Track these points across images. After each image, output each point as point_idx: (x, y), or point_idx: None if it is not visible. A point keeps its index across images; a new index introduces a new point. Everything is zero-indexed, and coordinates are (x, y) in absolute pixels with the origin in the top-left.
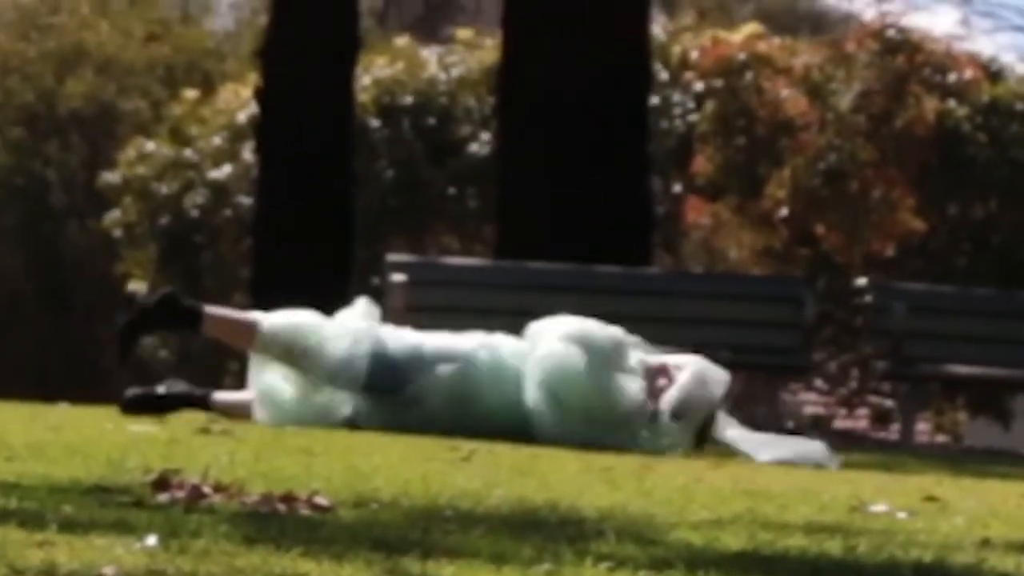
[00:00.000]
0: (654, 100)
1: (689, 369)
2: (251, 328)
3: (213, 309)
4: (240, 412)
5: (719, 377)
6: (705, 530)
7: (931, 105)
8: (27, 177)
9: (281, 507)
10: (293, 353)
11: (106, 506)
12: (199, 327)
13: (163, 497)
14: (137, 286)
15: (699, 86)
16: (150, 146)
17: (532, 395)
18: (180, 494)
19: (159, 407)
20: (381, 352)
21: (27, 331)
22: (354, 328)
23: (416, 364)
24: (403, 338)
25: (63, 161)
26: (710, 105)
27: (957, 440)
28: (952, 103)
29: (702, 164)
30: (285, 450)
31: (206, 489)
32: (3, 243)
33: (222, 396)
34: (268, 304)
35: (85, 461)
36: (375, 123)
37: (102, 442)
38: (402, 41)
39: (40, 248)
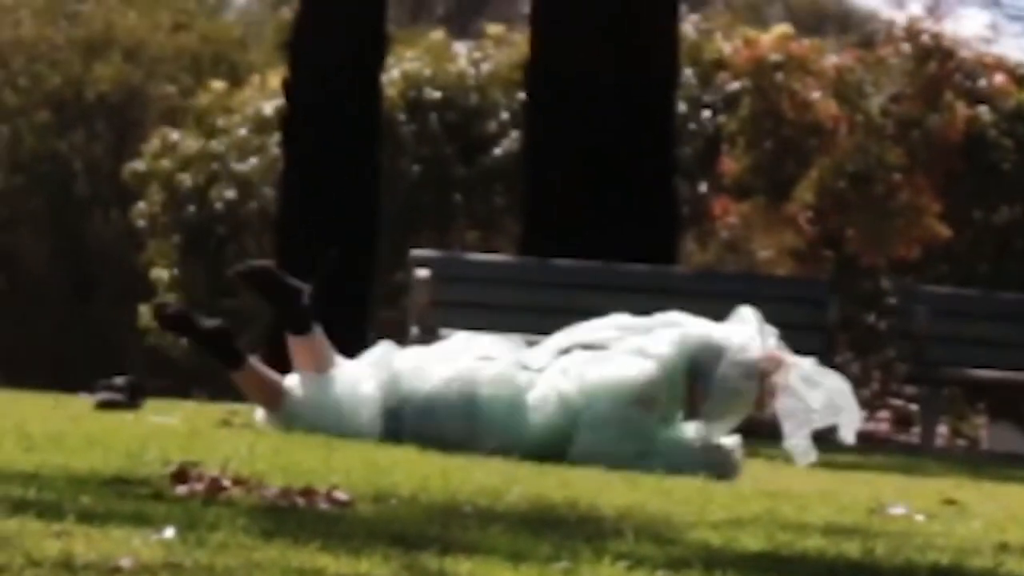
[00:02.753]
0: (682, 101)
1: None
2: (278, 395)
3: (255, 363)
4: (262, 392)
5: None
6: (724, 530)
7: (962, 111)
8: (52, 163)
9: (300, 501)
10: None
11: (124, 498)
12: (234, 371)
13: (182, 489)
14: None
15: (733, 86)
16: (175, 136)
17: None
18: (199, 487)
19: (192, 333)
20: (396, 409)
21: (49, 320)
22: (367, 397)
23: (428, 413)
24: (415, 382)
25: (89, 150)
26: (740, 106)
27: (975, 445)
28: (982, 109)
29: (730, 165)
30: (305, 444)
31: (225, 482)
32: (27, 230)
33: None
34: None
35: (104, 452)
36: (402, 118)
37: (121, 433)
38: (435, 35)
39: (64, 236)
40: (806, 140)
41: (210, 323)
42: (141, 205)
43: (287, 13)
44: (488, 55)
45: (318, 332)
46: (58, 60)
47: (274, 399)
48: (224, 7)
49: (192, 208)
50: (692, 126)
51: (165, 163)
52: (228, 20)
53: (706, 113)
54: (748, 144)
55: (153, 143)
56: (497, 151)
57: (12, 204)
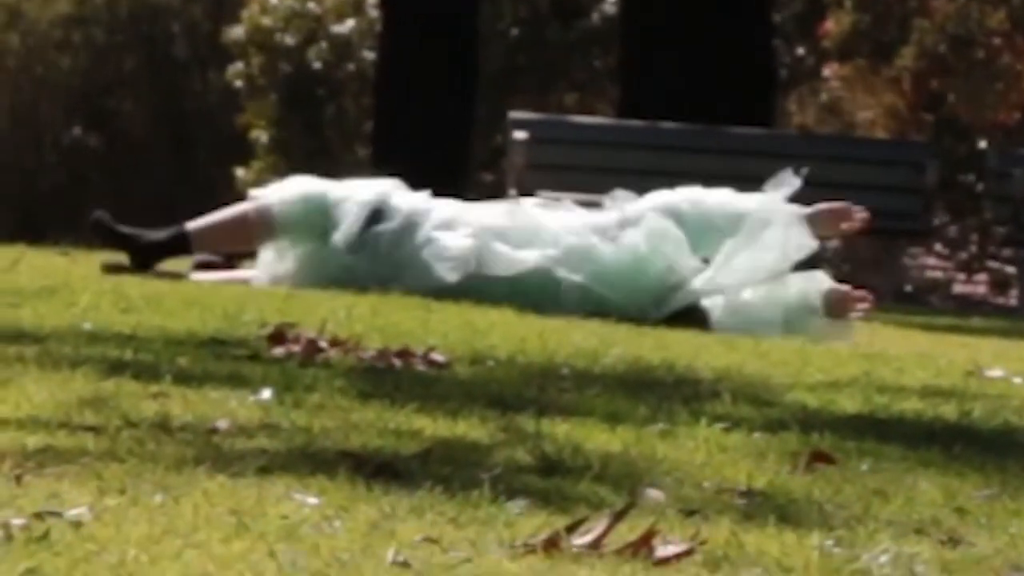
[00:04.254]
0: None
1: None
2: (253, 220)
3: (194, 224)
4: (235, 234)
5: None
6: (821, 392)
7: None
8: (150, 24)
9: (397, 363)
10: (313, 218)
11: (221, 359)
12: (192, 251)
13: (279, 351)
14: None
15: None
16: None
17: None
18: (296, 348)
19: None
20: (381, 210)
21: (151, 180)
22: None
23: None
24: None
25: (187, 10)
26: None
27: None
28: None
29: (831, 27)
30: (402, 305)
31: (322, 343)
32: (125, 91)
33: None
34: (389, 158)
35: (201, 313)
36: None
37: (219, 294)
38: None
39: (163, 97)
40: (908, 2)
41: (142, 238)
42: (239, 65)
43: None
44: None
45: (193, 225)
46: None
47: (250, 227)
48: None
49: (289, 68)
50: None
51: (265, 21)
52: None
53: None
54: (850, 6)
55: (252, 7)
56: (595, 13)
57: (111, 64)
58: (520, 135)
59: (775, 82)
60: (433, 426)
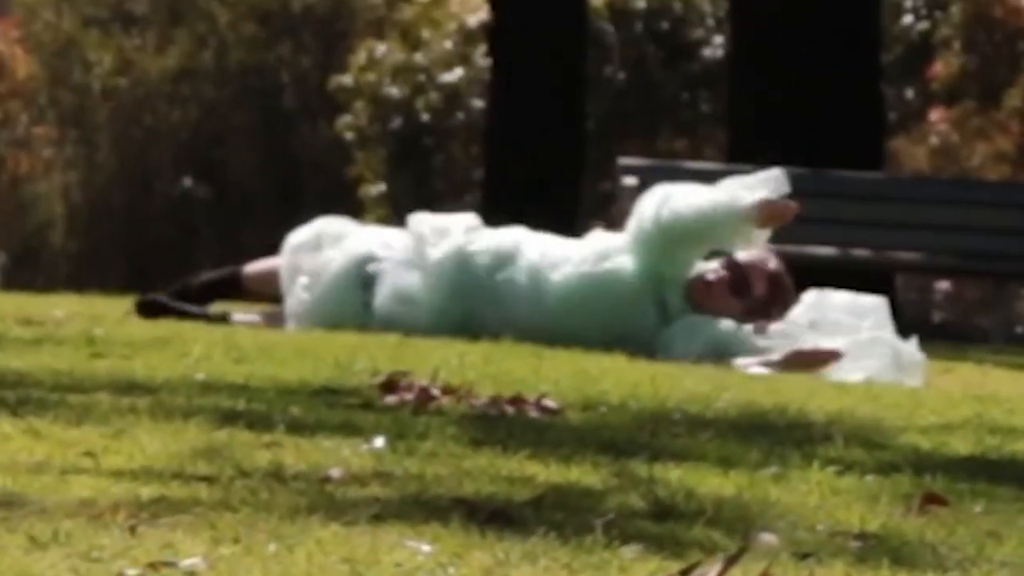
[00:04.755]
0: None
1: None
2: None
3: (247, 272)
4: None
5: None
6: (933, 434)
7: None
8: (261, 76)
9: (509, 409)
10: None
11: (334, 408)
12: (241, 295)
13: (391, 399)
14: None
15: None
16: (381, 49)
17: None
18: (408, 396)
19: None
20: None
21: (259, 231)
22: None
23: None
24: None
25: (296, 62)
26: (952, 10)
27: None
28: None
29: (940, 70)
30: (514, 353)
31: (434, 391)
32: (235, 142)
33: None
34: (498, 206)
35: (314, 362)
36: (608, 26)
37: (331, 343)
38: None
39: (272, 148)
40: (1017, 45)
41: (192, 284)
42: (347, 117)
43: None
44: None
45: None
46: None
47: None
48: None
49: (399, 120)
50: (897, 31)
51: (371, 76)
52: None
53: (911, 18)
54: (959, 49)
55: (359, 56)
56: (703, 57)
57: (220, 116)
58: (630, 181)
59: (884, 125)
60: (546, 472)
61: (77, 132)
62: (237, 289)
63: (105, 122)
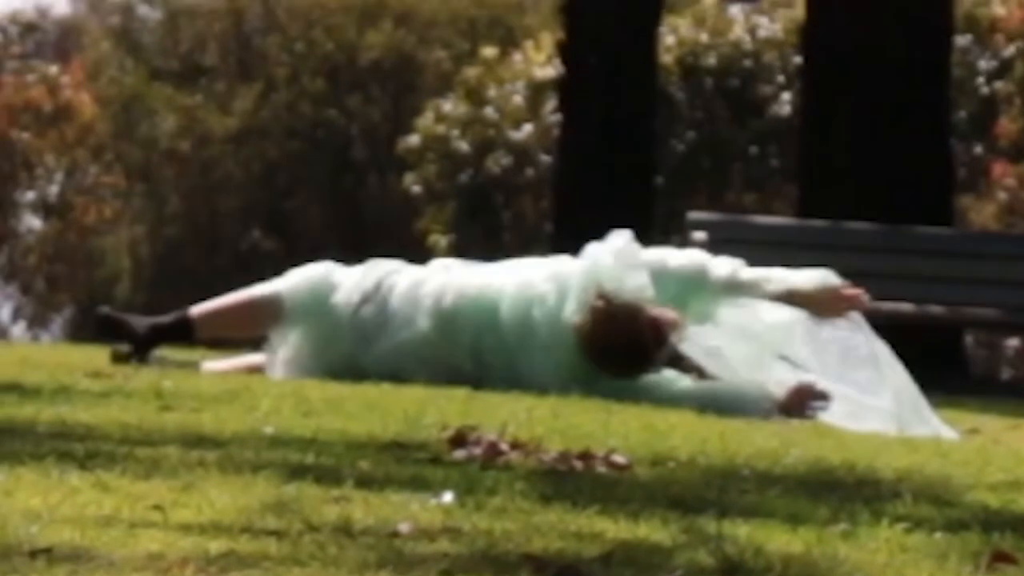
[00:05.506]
0: (956, 65)
1: None
2: (261, 305)
3: (197, 312)
4: (242, 320)
5: None
6: (1002, 492)
7: None
8: (329, 130)
9: (578, 465)
10: (319, 303)
11: (402, 462)
12: (195, 336)
13: (460, 453)
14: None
15: (1008, 49)
16: (448, 106)
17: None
18: (477, 451)
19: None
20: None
21: None
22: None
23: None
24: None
25: (365, 115)
26: (1017, 68)
27: None
28: None
29: (1006, 127)
30: (583, 407)
31: (503, 446)
32: (303, 196)
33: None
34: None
35: (382, 416)
36: (677, 82)
37: (400, 397)
38: (709, 1)
39: (341, 202)
40: None
41: (142, 324)
42: (415, 174)
43: None
44: (765, 20)
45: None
46: (332, 26)
47: (255, 317)
48: None
49: (467, 174)
50: (967, 89)
51: (440, 128)
52: None
53: (981, 77)
54: (1021, 106)
55: (426, 115)
56: (772, 114)
57: (288, 170)
58: (699, 235)
59: (953, 181)
60: (615, 528)
61: (144, 185)
62: (188, 334)
63: (172, 176)
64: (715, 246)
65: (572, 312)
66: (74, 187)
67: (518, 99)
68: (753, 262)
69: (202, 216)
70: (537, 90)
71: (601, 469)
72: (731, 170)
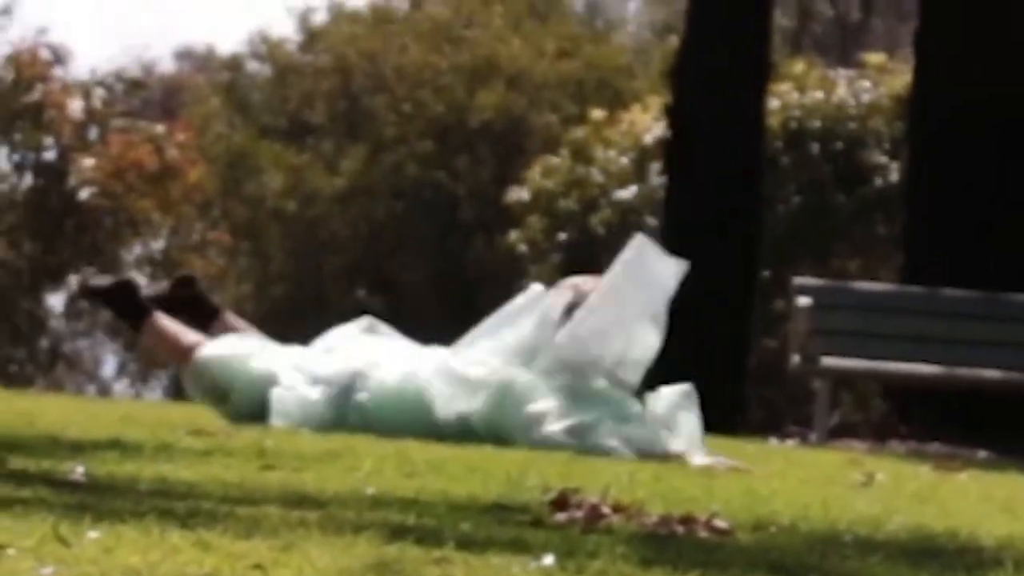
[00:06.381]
0: None
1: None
2: (184, 350)
3: (160, 317)
4: (165, 346)
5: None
6: None
7: None
8: (436, 190)
9: (680, 529)
10: (217, 391)
11: (504, 524)
12: (140, 328)
13: (561, 516)
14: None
15: None
16: (555, 162)
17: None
18: (579, 514)
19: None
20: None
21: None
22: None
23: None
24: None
25: (472, 175)
26: None
27: None
28: None
29: None
30: (685, 471)
31: (605, 509)
32: (408, 256)
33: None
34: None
35: (484, 478)
36: (782, 147)
37: (501, 459)
38: (804, 67)
39: (446, 261)
40: None
41: (107, 280)
42: (519, 231)
43: (676, 40)
44: (869, 85)
45: (160, 319)
46: (441, 87)
47: (181, 353)
48: (613, 31)
49: (572, 233)
50: None
51: (547, 184)
52: (615, 46)
53: None
54: None
55: (535, 171)
56: (878, 180)
57: (394, 230)
58: (804, 301)
59: None
60: None
61: (250, 243)
62: (138, 324)
63: (278, 234)
64: (819, 312)
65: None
66: (179, 244)
67: (624, 160)
68: (856, 327)
69: (308, 275)
70: (643, 152)
71: (702, 533)
72: (837, 235)
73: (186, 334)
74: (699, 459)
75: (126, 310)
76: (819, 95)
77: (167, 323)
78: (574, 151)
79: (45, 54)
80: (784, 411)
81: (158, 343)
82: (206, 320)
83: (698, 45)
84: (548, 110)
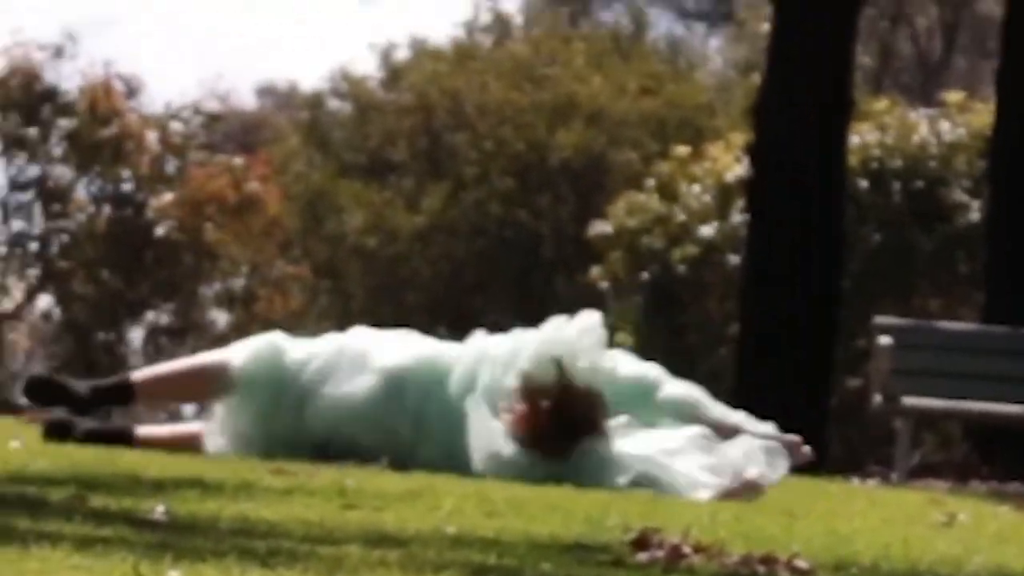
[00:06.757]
0: None
1: None
2: (210, 374)
3: (143, 430)
4: (179, 386)
5: None
6: None
7: None
8: (517, 229)
9: (761, 569)
10: (270, 369)
11: (585, 564)
12: (132, 403)
13: (642, 556)
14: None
15: None
16: (639, 199)
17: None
18: (660, 554)
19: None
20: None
21: None
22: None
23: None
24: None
25: (554, 213)
26: None
27: None
28: None
29: None
30: (766, 510)
31: (686, 549)
32: (492, 293)
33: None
34: (753, 361)
35: (565, 518)
36: (864, 185)
37: (583, 499)
38: (886, 105)
39: (528, 300)
40: None
41: (82, 386)
42: (601, 267)
43: (758, 78)
44: (949, 124)
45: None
46: (522, 124)
47: (202, 384)
48: (695, 69)
49: (653, 269)
50: None
51: (631, 222)
52: (697, 83)
53: None
54: None
55: (619, 205)
56: (959, 219)
57: (475, 268)
58: (885, 340)
59: None
60: None
61: (330, 281)
62: (126, 398)
63: (359, 272)
64: (900, 351)
65: (520, 368)
66: (259, 279)
67: (707, 198)
68: (938, 367)
69: (388, 313)
70: (725, 190)
71: (784, 574)
72: (918, 274)
73: (177, 427)
74: (703, 493)
75: (112, 397)
76: (900, 134)
77: (149, 375)
78: (659, 187)
79: (118, 86)
80: (866, 450)
81: (161, 396)
82: (125, 400)
83: (780, 83)
84: (629, 148)
